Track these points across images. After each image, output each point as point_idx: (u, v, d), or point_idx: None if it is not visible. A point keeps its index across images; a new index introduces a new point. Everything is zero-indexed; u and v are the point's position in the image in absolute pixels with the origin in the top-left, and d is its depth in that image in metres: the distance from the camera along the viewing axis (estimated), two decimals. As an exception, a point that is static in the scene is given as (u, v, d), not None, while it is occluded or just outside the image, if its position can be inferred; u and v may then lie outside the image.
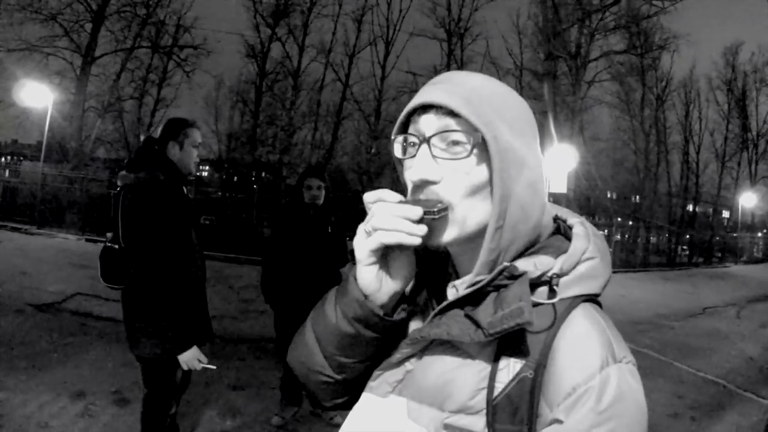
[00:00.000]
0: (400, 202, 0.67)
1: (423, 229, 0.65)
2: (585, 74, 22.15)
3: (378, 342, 0.73)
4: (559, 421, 0.61)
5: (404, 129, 0.74)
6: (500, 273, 0.66)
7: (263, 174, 24.26)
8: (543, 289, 0.68)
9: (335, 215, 3.73)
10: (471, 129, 0.66)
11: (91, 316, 5.78)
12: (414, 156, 0.70)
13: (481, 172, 0.68)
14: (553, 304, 0.66)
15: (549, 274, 0.67)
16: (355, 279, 0.71)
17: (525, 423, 0.63)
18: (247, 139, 23.00)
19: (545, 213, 0.74)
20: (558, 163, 16.46)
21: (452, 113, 0.67)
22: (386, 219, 0.65)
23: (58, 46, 18.58)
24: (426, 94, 0.70)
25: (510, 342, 0.65)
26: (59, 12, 18.17)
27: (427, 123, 0.69)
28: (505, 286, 0.66)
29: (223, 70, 33.91)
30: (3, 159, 24.91)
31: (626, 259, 19.49)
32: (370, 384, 0.77)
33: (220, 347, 5.37)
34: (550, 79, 20.71)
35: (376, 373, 0.77)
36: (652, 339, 7.27)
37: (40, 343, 4.81)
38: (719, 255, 26.21)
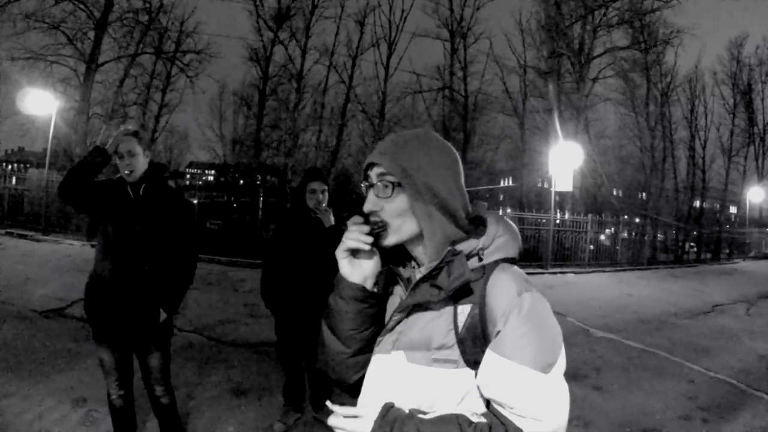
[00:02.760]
0: (362, 223, 1.09)
1: (369, 239, 1.07)
2: (589, 71, 22.02)
3: (368, 310, 1.13)
4: (499, 331, 1.00)
5: (365, 176, 1.15)
6: (446, 255, 1.04)
7: (268, 177, 24.29)
8: (474, 259, 1.07)
9: (337, 219, 3.67)
10: (393, 182, 1.08)
11: (87, 321, 5.75)
12: (366, 195, 1.12)
13: (403, 201, 1.09)
14: (482, 266, 1.07)
15: (476, 249, 1.08)
16: (340, 273, 1.13)
17: (482, 343, 1.02)
18: (251, 142, 23.01)
19: (465, 214, 1.12)
20: (563, 160, 16.36)
21: (386, 171, 1.09)
22: (350, 233, 1.08)
23: (62, 54, 18.70)
24: (370, 157, 1.12)
25: (460, 296, 1.05)
26: (62, 20, 18.28)
27: (372, 175, 1.12)
28: (451, 261, 1.04)
29: (227, 74, 34.08)
30: (9, 166, 25.02)
31: (633, 256, 19.33)
32: (376, 348, 1.15)
33: (223, 351, 5.34)
34: (554, 77, 20.65)
35: (378, 339, 1.15)
36: (662, 338, 7.18)
37: (43, 349, 4.80)
38: (727, 251, 25.96)
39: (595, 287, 12.25)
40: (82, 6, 18.36)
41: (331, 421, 1.09)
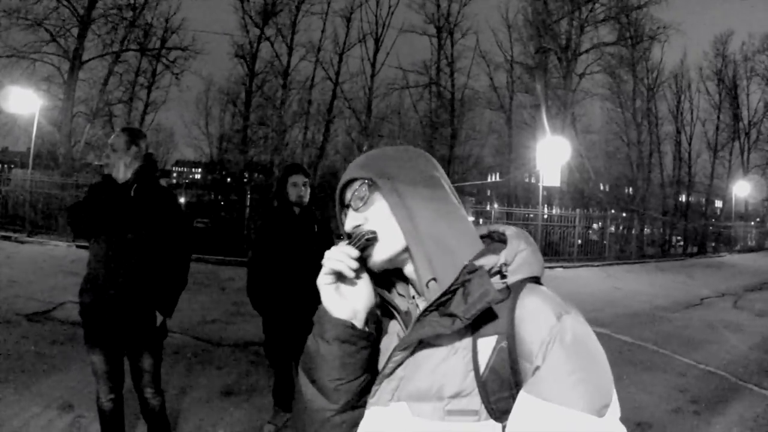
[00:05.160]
0: (348, 243, 0.89)
1: (356, 254, 0.87)
2: (576, 67, 22.16)
3: (357, 355, 0.88)
4: (538, 368, 0.77)
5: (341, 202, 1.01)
6: (461, 272, 0.82)
7: (255, 175, 24.15)
8: (496, 277, 0.86)
9: (322, 214, 3.63)
10: (367, 183, 0.94)
11: (81, 325, 5.67)
12: (347, 214, 0.98)
13: (382, 204, 0.92)
14: (506, 285, 0.85)
15: (497, 265, 0.87)
16: (323, 307, 0.90)
17: (512, 386, 0.80)
18: (238, 140, 22.88)
19: (469, 227, 0.94)
20: (551, 156, 16.43)
21: (359, 180, 0.95)
22: (334, 253, 0.87)
23: (45, 52, 18.49)
24: (342, 178, 0.98)
25: (480, 326, 0.82)
26: (45, 17, 18.04)
27: (347, 194, 0.98)
28: (468, 280, 0.81)
29: (213, 71, 33.81)
30: (-8, 167, 24.71)
31: (621, 250, 19.47)
32: (370, 400, 0.90)
33: (211, 352, 5.29)
34: (541, 73, 20.75)
35: (373, 388, 0.90)
36: (651, 332, 7.23)
37: (29, 353, 4.71)
38: (713, 245, 26.24)
39: (584, 282, 12.32)
40: (65, 2, 18.12)
41: None
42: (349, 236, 0.92)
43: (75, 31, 18.59)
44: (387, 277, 0.99)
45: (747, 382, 5.22)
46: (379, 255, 0.91)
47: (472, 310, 0.78)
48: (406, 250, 0.91)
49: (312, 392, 0.91)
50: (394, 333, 0.97)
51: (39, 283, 7.54)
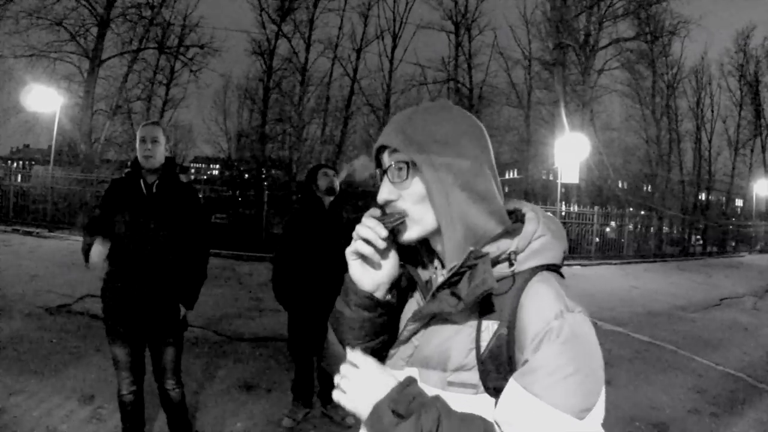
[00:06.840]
0: (378, 217, 0.92)
1: (384, 233, 0.89)
2: (594, 63, 21.94)
3: (377, 320, 0.95)
4: (527, 361, 0.80)
5: (378, 162, 0.99)
6: (468, 257, 0.85)
7: (273, 171, 24.27)
8: (504, 264, 0.88)
9: (346, 211, 3.67)
10: (409, 163, 0.91)
11: (101, 318, 5.76)
12: (381, 183, 0.97)
13: (420, 185, 0.91)
14: (513, 274, 0.88)
15: (507, 252, 0.88)
16: (350, 276, 0.95)
17: (507, 371, 0.83)
18: (256, 136, 22.99)
19: (499, 207, 0.93)
20: (569, 153, 16.30)
21: (401, 153, 0.92)
22: (362, 229, 0.90)
23: (65, 51, 18.79)
24: (380, 139, 0.96)
25: (486, 309, 0.87)
26: (65, 17, 18.32)
27: (385, 159, 0.96)
28: (475, 265, 0.84)
29: (231, 68, 33.97)
30: (14, 164, 25.11)
31: (640, 249, 19.26)
32: (388, 362, 0.98)
33: (230, 346, 5.34)
34: (560, 69, 20.56)
35: (391, 352, 0.98)
36: (669, 331, 7.15)
37: (50, 346, 4.80)
38: (733, 244, 25.80)
39: (602, 280, 12.21)
40: (84, 2, 18.36)
41: (346, 367, 0.89)
42: (381, 207, 0.95)
43: (94, 30, 18.89)
44: (418, 245, 0.99)
45: (766, 384, 5.15)
46: (410, 234, 0.93)
47: (471, 295, 0.82)
48: (437, 229, 0.92)
49: (336, 343, 1.00)
50: (416, 300, 1.01)
51: (60, 277, 7.67)
